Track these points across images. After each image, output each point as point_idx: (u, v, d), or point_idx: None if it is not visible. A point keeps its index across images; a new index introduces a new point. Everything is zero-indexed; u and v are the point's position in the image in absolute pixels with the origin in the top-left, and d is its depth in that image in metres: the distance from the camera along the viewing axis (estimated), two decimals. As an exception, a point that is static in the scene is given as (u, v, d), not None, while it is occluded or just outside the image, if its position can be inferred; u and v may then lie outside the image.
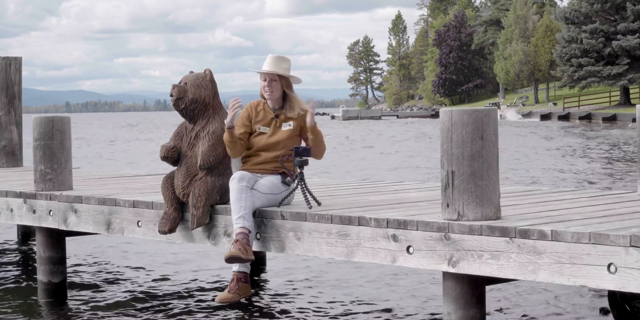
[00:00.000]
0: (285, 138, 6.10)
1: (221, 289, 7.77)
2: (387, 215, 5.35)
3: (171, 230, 6.29)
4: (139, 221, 6.67)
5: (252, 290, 6.18)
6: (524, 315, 6.73)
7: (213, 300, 7.38)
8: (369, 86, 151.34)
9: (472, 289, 5.05)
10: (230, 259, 5.65)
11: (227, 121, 6.01)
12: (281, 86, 6.14)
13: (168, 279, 8.38)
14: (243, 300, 6.38)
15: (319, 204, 5.96)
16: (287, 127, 6.14)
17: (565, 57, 67.11)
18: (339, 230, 5.46)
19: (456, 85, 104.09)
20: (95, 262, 9.34)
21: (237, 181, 5.88)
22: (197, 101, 6.18)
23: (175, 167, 6.34)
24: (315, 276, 8.38)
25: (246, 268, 6.06)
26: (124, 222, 6.79)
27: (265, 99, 6.20)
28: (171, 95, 6.23)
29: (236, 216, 5.77)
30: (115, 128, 73.58)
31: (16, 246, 10.48)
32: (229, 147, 6.09)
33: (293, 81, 6.20)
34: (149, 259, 9.56)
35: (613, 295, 6.13)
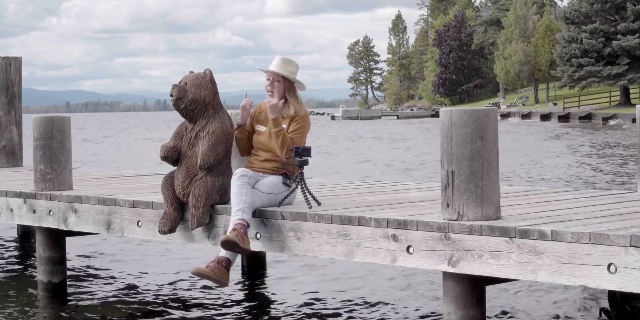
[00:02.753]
0: (282, 139, 6.12)
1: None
2: (387, 215, 5.35)
3: (171, 230, 6.29)
4: (139, 221, 6.68)
5: (231, 281, 6.07)
6: (524, 316, 6.73)
7: (214, 298, 7.38)
8: (369, 86, 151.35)
9: (472, 289, 5.05)
10: (227, 243, 5.57)
11: (238, 119, 6.20)
12: (283, 88, 6.16)
13: (168, 279, 8.37)
14: (215, 283, 6.16)
15: (319, 204, 5.96)
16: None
17: (565, 57, 67.09)
18: (339, 230, 5.46)
19: (456, 85, 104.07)
20: (95, 262, 9.34)
21: (238, 176, 5.91)
22: (197, 101, 6.18)
23: (175, 167, 6.34)
24: (315, 276, 8.38)
25: (232, 257, 5.92)
26: (124, 222, 6.80)
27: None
28: (171, 95, 6.24)
29: (235, 209, 5.74)
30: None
31: (16, 246, 10.48)
32: (238, 144, 6.27)
33: (298, 86, 6.23)
34: (149, 259, 9.56)
35: (613, 295, 6.13)
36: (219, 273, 5.78)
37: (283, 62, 6.17)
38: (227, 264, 5.86)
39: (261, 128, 6.19)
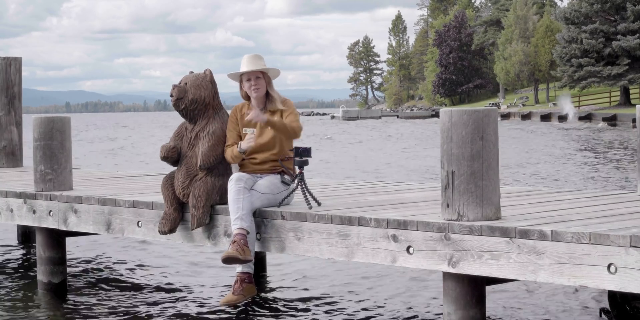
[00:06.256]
0: (273, 136, 6.15)
1: (223, 289, 7.77)
2: (387, 215, 5.35)
3: (171, 230, 6.29)
4: (139, 221, 6.68)
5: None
6: (524, 316, 6.73)
7: (213, 299, 7.38)
8: (369, 86, 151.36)
9: (472, 290, 5.05)
10: (228, 260, 5.67)
11: (243, 146, 6.05)
12: (265, 82, 6.19)
13: (169, 280, 8.37)
14: (247, 300, 6.39)
15: (319, 204, 5.96)
16: None
17: (565, 58, 67.08)
18: (339, 230, 5.46)
19: (456, 86, 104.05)
20: (95, 263, 9.34)
21: (234, 182, 5.89)
22: (197, 101, 6.19)
23: (175, 168, 6.34)
24: (315, 277, 8.38)
25: (249, 268, 6.10)
26: (124, 222, 6.80)
27: (248, 100, 6.26)
28: (171, 96, 6.25)
29: (234, 217, 5.77)
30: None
31: (16, 246, 10.48)
32: (233, 160, 6.19)
33: (273, 74, 6.27)
34: (150, 259, 9.56)
35: (613, 296, 6.13)
36: (247, 292, 6.14)
37: (255, 59, 6.20)
38: (249, 278, 6.18)
39: (249, 131, 6.19)
